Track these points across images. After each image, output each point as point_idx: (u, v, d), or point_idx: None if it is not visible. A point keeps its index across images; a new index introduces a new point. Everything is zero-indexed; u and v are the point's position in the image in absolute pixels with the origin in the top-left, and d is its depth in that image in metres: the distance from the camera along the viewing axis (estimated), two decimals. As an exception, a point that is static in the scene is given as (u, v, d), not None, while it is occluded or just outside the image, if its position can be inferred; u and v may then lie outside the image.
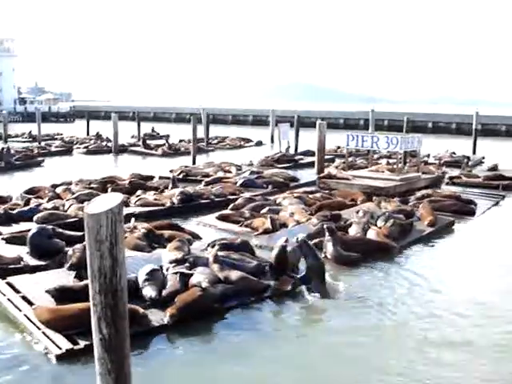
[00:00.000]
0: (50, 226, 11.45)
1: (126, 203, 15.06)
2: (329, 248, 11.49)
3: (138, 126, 43.76)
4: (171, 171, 22.97)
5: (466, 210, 16.62)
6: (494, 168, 25.35)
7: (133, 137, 43.28)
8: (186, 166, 24.12)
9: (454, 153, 31.89)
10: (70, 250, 10.08)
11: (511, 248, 13.16)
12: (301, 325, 8.57)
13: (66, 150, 34.53)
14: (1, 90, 78.25)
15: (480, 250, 12.90)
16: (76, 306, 7.63)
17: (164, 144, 35.41)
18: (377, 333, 8.24)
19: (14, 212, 13.78)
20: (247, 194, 17.48)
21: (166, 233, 12.39)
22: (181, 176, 21.95)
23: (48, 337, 7.36)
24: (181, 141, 39.25)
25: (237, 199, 16.47)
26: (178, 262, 9.75)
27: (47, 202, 15.27)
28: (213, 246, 11.10)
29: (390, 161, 24.59)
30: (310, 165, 26.01)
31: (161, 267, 9.44)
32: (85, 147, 35.17)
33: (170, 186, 18.46)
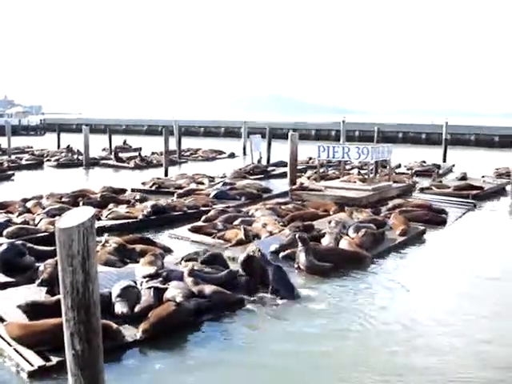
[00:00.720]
0: (20, 242, 11.29)
1: (97, 217, 14.93)
2: (301, 258, 11.52)
3: (110, 138, 43.49)
4: (143, 183, 22.91)
5: (437, 219, 16.82)
6: (464, 177, 25.74)
7: (104, 150, 43.00)
8: (159, 178, 24.05)
9: (424, 162, 32.32)
10: (41, 266, 9.92)
11: (481, 256, 13.32)
12: (274, 335, 8.55)
13: (37, 163, 34.16)
14: (-31, 103, 77.24)
15: (451, 259, 13.04)
16: (48, 321, 7.52)
17: (136, 156, 35.23)
18: (348, 341, 8.28)
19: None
20: (220, 206, 17.47)
21: (138, 247, 12.27)
22: (153, 188, 21.89)
23: (20, 353, 7.23)
24: (153, 153, 39.15)
25: (209, 211, 16.44)
26: (151, 276, 9.70)
27: (17, 216, 15.08)
28: (186, 260, 11.08)
29: (362, 171, 24.80)
30: (283, 175, 26.10)
31: (135, 282, 9.38)
32: (55, 160, 34.84)
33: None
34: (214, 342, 8.10)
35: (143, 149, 44.60)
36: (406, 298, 10.21)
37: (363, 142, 27.12)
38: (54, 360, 7.00)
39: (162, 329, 8.09)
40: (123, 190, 20.64)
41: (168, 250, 12.75)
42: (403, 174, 27.14)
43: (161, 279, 9.54)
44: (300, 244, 11.61)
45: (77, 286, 4.76)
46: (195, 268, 10.04)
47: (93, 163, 33.92)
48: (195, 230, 14.70)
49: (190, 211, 17.15)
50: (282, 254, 12.07)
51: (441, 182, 24.64)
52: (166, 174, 27.33)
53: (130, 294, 8.78)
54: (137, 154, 37.28)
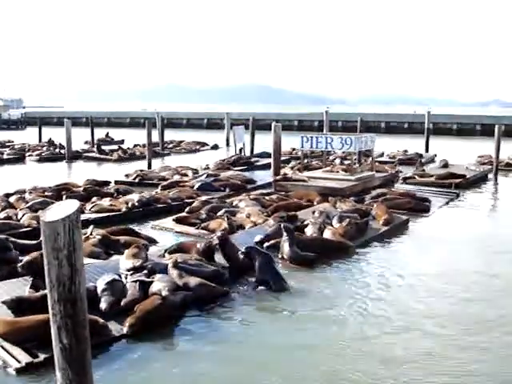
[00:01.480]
0: (3, 236, 11.21)
1: (80, 210, 14.86)
2: (285, 248, 11.56)
3: (92, 131, 43.17)
4: (127, 176, 22.83)
5: (420, 207, 16.97)
6: (445, 165, 25.97)
7: (86, 143, 42.70)
8: (142, 171, 23.97)
9: (406, 151, 32.50)
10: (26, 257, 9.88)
11: (464, 244, 13.45)
12: (260, 327, 8.58)
13: (18, 157, 33.79)
14: (-52, 97, 76.31)
15: (434, 248, 13.16)
16: (34, 317, 7.49)
17: (118, 149, 35.05)
18: (335, 330, 8.34)
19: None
20: (204, 197, 17.46)
21: (122, 238, 12.29)
22: (137, 180, 21.82)
23: (6, 350, 7.21)
24: (135, 145, 38.93)
25: (193, 203, 16.44)
26: (135, 269, 9.68)
27: (0, 211, 14.97)
28: (170, 252, 11.08)
29: (345, 161, 24.87)
30: (266, 166, 26.15)
31: (119, 275, 9.36)
32: (37, 155, 34.49)
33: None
34: (200, 335, 8.11)
35: (126, 141, 44.44)
36: (390, 287, 10.28)
37: (346, 133, 27.13)
38: (42, 356, 6.98)
39: (149, 323, 8.10)
40: (107, 183, 20.57)
41: (153, 241, 12.78)
42: (386, 162, 27.29)
43: (145, 272, 9.54)
44: (284, 234, 11.65)
45: (63, 280, 4.75)
46: (179, 260, 10.06)
47: (75, 156, 33.63)
48: (179, 221, 14.72)
49: (173, 203, 17.13)
50: (266, 244, 12.10)
51: (423, 170, 24.79)
52: (150, 167, 27.24)
53: (115, 288, 8.76)
54: (119, 146, 37.11)
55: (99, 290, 8.62)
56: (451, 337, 8.16)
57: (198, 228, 14.01)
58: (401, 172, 24.28)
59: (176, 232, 14.10)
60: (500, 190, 22.54)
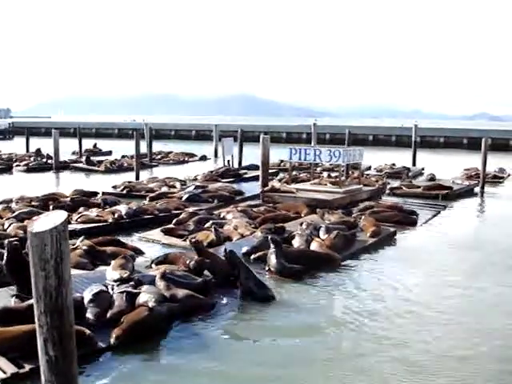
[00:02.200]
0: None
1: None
2: (272, 260, 11.55)
3: (80, 142, 43.11)
4: (114, 187, 22.77)
5: (408, 220, 17.05)
6: (432, 178, 26.19)
7: (74, 153, 42.61)
8: (130, 182, 23.92)
9: (394, 164, 32.67)
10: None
11: (451, 257, 13.51)
12: (247, 340, 8.57)
13: (5, 167, 33.59)
14: None
15: (421, 260, 13.20)
16: (20, 327, 7.43)
17: (103, 161, 34.98)
18: (321, 343, 8.34)
19: None
20: (191, 209, 17.44)
21: (108, 249, 12.23)
22: (125, 191, 21.77)
23: (-9, 361, 7.14)
24: (123, 156, 38.87)
25: (181, 214, 16.42)
26: (122, 280, 9.65)
27: (-14, 221, 14.86)
28: (157, 264, 11.05)
29: (332, 174, 24.96)
30: (254, 179, 26.16)
31: (106, 286, 9.32)
32: (25, 165, 34.31)
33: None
34: (187, 347, 8.07)
35: (114, 152, 44.35)
36: (377, 299, 10.29)
37: (334, 145, 27.23)
38: (27, 367, 6.92)
39: (135, 334, 8.06)
40: (94, 194, 20.50)
41: (139, 252, 12.73)
42: (374, 175, 27.41)
43: (132, 283, 9.50)
44: (272, 246, 11.64)
45: (50, 291, 4.72)
46: (167, 271, 10.04)
47: (63, 167, 33.54)
48: (166, 232, 14.69)
49: (161, 214, 17.10)
50: (253, 256, 12.10)
51: (411, 182, 24.97)
52: (138, 178, 27.16)
53: (101, 299, 8.72)
54: (106, 158, 37.04)
55: (86, 301, 8.57)
56: (439, 347, 8.18)
57: (185, 239, 13.98)
58: (388, 184, 24.41)
59: (163, 243, 14.06)
60: (486, 202, 22.68)
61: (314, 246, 12.94)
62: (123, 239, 13.80)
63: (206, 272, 10.81)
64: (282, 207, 18.08)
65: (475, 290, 11.01)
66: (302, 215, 17.05)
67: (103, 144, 50.25)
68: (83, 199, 18.60)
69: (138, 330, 8.15)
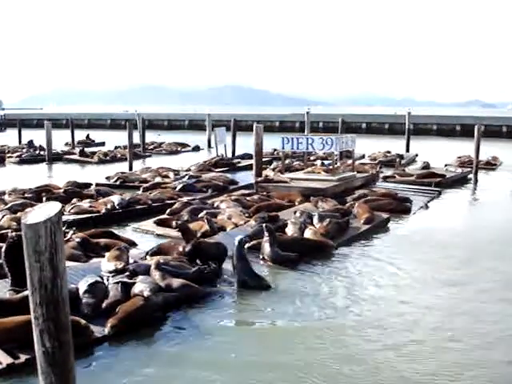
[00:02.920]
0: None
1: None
2: (266, 249, 11.57)
3: (72, 133, 42.91)
4: (108, 178, 22.72)
5: (401, 208, 17.08)
6: (426, 166, 26.20)
7: (67, 144, 42.44)
8: (123, 173, 23.87)
9: (388, 152, 32.68)
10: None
11: (445, 243, 13.56)
12: (242, 329, 8.62)
13: (-2, 159, 33.47)
14: None
15: (414, 246, 13.27)
16: (16, 318, 7.43)
17: (98, 151, 34.91)
18: (316, 330, 8.37)
19: None
20: (185, 199, 17.43)
21: (102, 241, 12.22)
22: (118, 182, 21.73)
23: (-14, 352, 7.14)
24: (116, 147, 38.77)
25: (175, 204, 16.41)
26: (118, 271, 9.66)
27: (-21, 213, 14.80)
28: (151, 255, 11.05)
29: (326, 162, 24.93)
30: (248, 168, 26.12)
31: (101, 277, 9.32)
32: (17, 156, 34.17)
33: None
34: (183, 337, 8.11)
35: (107, 143, 44.21)
36: (370, 286, 10.34)
37: (327, 133, 27.23)
38: (23, 357, 6.94)
39: (131, 324, 8.08)
40: (87, 185, 20.46)
41: (133, 244, 12.71)
42: (367, 164, 27.42)
43: (127, 274, 9.51)
44: (266, 234, 11.67)
45: (45, 283, 4.70)
46: (161, 261, 10.06)
47: (56, 158, 33.44)
48: (160, 223, 14.67)
49: (154, 204, 17.08)
50: (247, 245, 12.10)
51: (404, 170, 24.98)
52: (131, 168, 27.12)
53: (97, 289, 8.73)
54: (99, 148, 36.99)
55: (81, 292, 8.58)
56: (429, 329, 8.24)
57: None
58: (381, 173, 24.40)
59: (157, 234, 14.05)
60: (480, 189, 22.77)
61: (307, 234, 12.98)
62: (117, 230, 13.80)
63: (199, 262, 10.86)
64: (275, 196, 18.09)
65: (469, 276, 11.07)
66: (296, 203, 17.07)
67: (96, 135, 50.07)
68: (76, 190, 18.55)
69: (134, 319, 8.17)
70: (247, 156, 30.29)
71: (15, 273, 9.06)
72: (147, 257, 11.03)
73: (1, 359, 6.97)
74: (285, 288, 10.10)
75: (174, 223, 13.56)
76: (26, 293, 6.16)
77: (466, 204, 19.69)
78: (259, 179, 20.53)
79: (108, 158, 33.41)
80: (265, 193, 18.74)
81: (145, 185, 20.37)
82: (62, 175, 25.36)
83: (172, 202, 17.09)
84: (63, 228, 11.97)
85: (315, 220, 13.98)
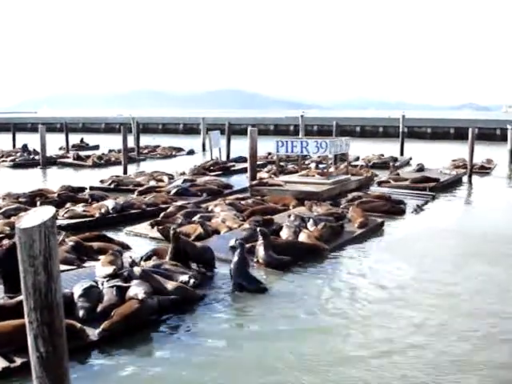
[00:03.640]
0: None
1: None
2: (260, 252, 11.59)
3: (67, 137, 42.88)
4: (102, 182, 22.71)
5: (396, 210, 17.15)
6: (421, 168, 26.23)
7: (61, 148, 42.39)
8: (118, 176, 23.86)
9: (382, 155, 32.78)
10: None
11: (439, 246, 13.60)
12: (236, 332, 8.63)
13: (-8, 164, 33.37)
14: None
15: (409, 249, 13.30)
16: (10, 322, 7.44)
17: (93, 154, 34.89)
18: (312, 332, 8.40)
19: None
20: (179, 203, 17.43)
21: (95, 244, 12.21)
22: (112, 186, 21.73)
23: (-19, 356, 7.13)
24: (111, 151, 38.74)
25: (169, 208, 16.42)
26: (112, 276, 9.66)
27: (-27, 218, 14.77)
28: (145, 260, 11.05)
29: (320, 165, 24.97)
30: (243, 171, 26.15)
31: (95, 282, 9.32)
32: (11, 160, 34.09)
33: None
34: (177, 340, 8.12)
35: (101, 147, 44.18)
36: (364, 289, 10.35)
37: (322, 137, 27.28)
38: (19, 361, 6.94)
39: (126, 327, 8.09)
40: (82, 189, 20.45)
41: (126, 247, 12.69)
42: (361, 166, 27.48)
43: (122, 278, 9.50)
44: (260, 238, 11.69)
45: (39, 287, 4.71)
46: (155, 264, 10.09)
47: (50, 162, 33.37)
48: (156, 224, 14.64)
49: (149, 209, 17.07)
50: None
51: (398, 174, 25.00)
52: (125, 172, 27.12)
53: (92, 294, 8.73)
54: (93, 152, 36.98)
55: (76, 297, 8.58)
56: (428, 330, 8.27)
57: (152, 227, 14.01)
58: (376, 176, 24.42)
59: (151, 237, 14.04)
60: (474, 192, 22.87)
61: (302, 238, 13.00)
62: (111, 234, 13.77)
63: (195, 266, 10.90)
64: (270, 200, 18.11)
65: (463, 277, 11.11)
66: (291, 207, 17.09)
67: (90, 138, 50.07)
68: (70, 195, 18.52)
69: (129, 322, 8.17)
70: (241, 159, 30.33)
71: (9, 278, 9.05)
72: (141, 263, 10.99)
73: (-4, 363, 6.96)
74: (279, 291, 10.12)
75: (156, 228, 13.64)
76: (21, 297, 6.16)
77: (461, 207, 19.74)
78: (254, 182, 20.55)
79: (102, 161, 33.40)
80: (259, 197, 18.75)
81: (140, 188, 20.38)
82: (56, 179, 25.32)
83: (166, 206, 17.08)
84: (62, 235, 12.01)
85: (309, 224, 14.01)
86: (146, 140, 47.11)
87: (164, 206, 17.21)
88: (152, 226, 14.58)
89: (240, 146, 33.01)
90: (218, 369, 7.35)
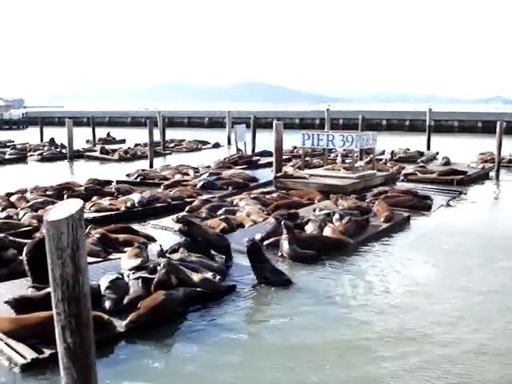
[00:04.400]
0: (2, 235, 11.23)
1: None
2: (285, 246, 11.60)
3: (93, 131, 43.28)
4: (128, 175, 22.87)
5: (422, 205, 16.95)
6: (447, 162, 25.99)
7: (88, 142, 42.80)
8: (144, 170, 24.02)
9: (408, 149, 32.49)
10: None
11: (465, 244, 13.38)
12: (263, 325, 8.64)
13: (20, 157, 33.79)
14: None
15: (435, 245, 13.15)
16: (38, 314, 7.55)
17: (119, 148, 35.18)
18: (337, 327, 8.38)
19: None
20: (204, 196, 17.49)
21: (121, 236, 12.32)
22: (138, 180, 21.88)
23: (11, 347, 7.25)
24: (137, 145, 39.00)
25: (194, 201, 16.49)
26: (138, 268, 9.74)
27: (0, 211, 14.97)
28: (170, 253, 11.11)
29: (346, 160, 24.87)
30: (268, 165, 26.13)
31: (121, 274, 9.40)
32: (39, 154, 34.51)
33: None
34: (202, 332, 8.15)
35: (127, 141, 44.48)
36: (389, 283, 10.31)
37: (348, 130, 27.12)
38: (47, 352, 7.03)
39: (152, 318, 8.15)
40: (108, 182, 20.63)
41: (152, 239, 12.79)
42: (386, 160, 27.30)
43: (148, 271, 9.58)
44: (284, 231, 11.69)
45: (67, 279, 4.77)
46: (182, 257, 10.15)
47: (77, 156, 33.72)
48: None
49: (174, 202, 17.16)
50: (265, 242, 12.15)
51: (424, 167, 24.81)
52: (151, 166, 27.28)
53: (118, 285, 8.82)
54: (120, 146, 37.31)
55: (102, 288, 8.67)
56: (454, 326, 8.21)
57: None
58: (403, 168, 24.27)
59: (176, 231, 14.09)
60: (502, 187, 22.55)
61: (326, 232, 12.96)
62: (136, 227, 13.87)
63: (219, 259, 10.94)
64: (295, 194, 18.09)
65: (491, 273, 10.99)
66: (316, 201, 17.05)
67: (116, 132, 50.41)
68: (97, 188, 18.70)
69: (155, 314, 8.24)
70: (266, 153, 30.29)
71: (37, 270, 9.17)
72: (167, 255, 11.06)
73: (25, 354, 7.07)
74: (303, 286, 10.11)
75: (174, 218, 13.73)
76: (48, 289, 6.23)
77: (488, 202, 19.47)
78: (278, 174, 20.55)
79: (128, 155, 33.65)
80: (284, 191, 18.73)
81: (166, 182, 20.49)
82: (83, 173, 25.58)
83: (191, 199, 17.15)
84: (88, 228, 12.14)
85: (335, 218, 13.95)
86: (172, 134, 47.30)
87: (189, 199, 17.28)
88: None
89: (265, 140, 32.99)
90: (243, 360, 7.37)
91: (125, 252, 10.88)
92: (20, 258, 10.24)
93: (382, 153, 31.58)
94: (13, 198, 16.59)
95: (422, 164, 25.76)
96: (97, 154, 34.64)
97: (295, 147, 32.50)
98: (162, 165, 27.28)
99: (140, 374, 7.03)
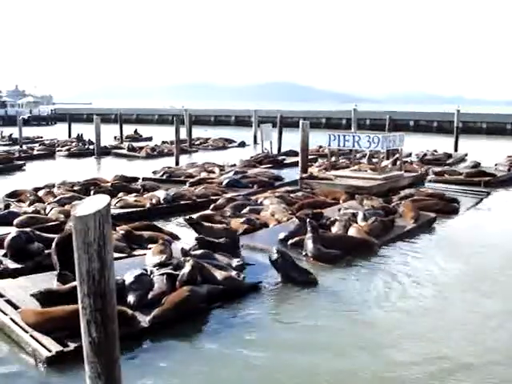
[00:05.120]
0: (29, 229, 11.37)
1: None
2: (309, 245, 11.58)
3: (121, 127, 43.60)
4: (154, 172, 23.01)
5: (449, 208, 16.69)
6: (476, 165, 25.67)
7: (115, 138, 43.13)
8: (170, 167, 24.13)
9: (435, 151, 32.15)
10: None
11: (492, 249, 13.12)
12: (285, 324, 8.62)
13: (48, 153, 34.21)
14: (-20, 93, 77.26)
15: (460, 248, 12.98)
16: (64, 307, 7.63)
17: (146, 145, 35.42)
18: (358, 328, 8.35)
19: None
20: (229, 194, 17.52)
21: (145, 233, 12.41)
22: (164, 177, 21.98)
23: (36, 340, 7.33)
24: (163, 142, 39.22)
25: (219, 200, 16.51)
26: (162, 265, 9.81)
27: (28, 205, 15.17)
28: (194, 250, 11.15)
29: (373, 160, 24.69)
30: (293, 165, 26.03)
31: (146, 270, 9.46)
32: (67, 150, 34.86)
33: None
34: (224, 329, 8.18)
35: (154, 138, 44.73)
36: (413, 285, 10.23)
37: (374, 131, 26.94)
38: (72, 345, 7.10)
39: (176, 314, 8.20)
40: (135, 179, 20.78)
41: (176, 237, 12.86)
42: (412, 162, 27.07)
43: (172, 267, 9.63)
44: (309, 231, 11.67)
45: (93, 274, 4.82)
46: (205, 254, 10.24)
47: (104, 152, 34.02)
48: (204, 218, 14.72)
49: (199, 200, 17.20)
50: (290, 242, 12.14)
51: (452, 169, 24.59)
52: (177, 163, 27.39)
53: (143, 281, 8.89)
54: (147, 143, 37.53)
55: (127, 284, 8.74)
56: (477, 332, 8.13)
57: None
58: (430, 168, 24.09)
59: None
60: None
61: (351, 232, 12.91)
62: (161, 224, 13.95)
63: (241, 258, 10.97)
64: (320, 193, 18.01)
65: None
66: (341, 201, 16.96)
67: (143, 130, 50.74)
68: (123, 184, 18.84)
69: (179, 310, 8.29)
70: (292, 153, 30.21)
71: (63, 264, 9.26)
72: (191, 252, 11.10)
73: (50, 347, 7.15)
74: (327, 285, 10.08)
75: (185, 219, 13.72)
76: (74, 283, 6.30)
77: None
78: (304, 175, 20.49)
79: (155, 152, 33.86)
80: (309, 190, 18.67)
81: (191, 180, 20.55)
82: (110, 169, 25.79)
83: (216, 197, 17.18)
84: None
85: (360, 218, 13.88)
86: (198, 132, 47.44)
87: (214, 197, 17.32)
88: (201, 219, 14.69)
89: (291, 139, 32.90)
90: (265, 359, 7.37)
91: (149, 249, 10.95)
92: (45, 251, 10.37)
93: (409, 155, 31.22)
94: (40, 193, 16.84)
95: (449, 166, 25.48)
96: (124, 150, 34.90)
97: (321, 146, 32.33)
98: (188, 162, 27.38)
99: (163, 369, 7.07)
